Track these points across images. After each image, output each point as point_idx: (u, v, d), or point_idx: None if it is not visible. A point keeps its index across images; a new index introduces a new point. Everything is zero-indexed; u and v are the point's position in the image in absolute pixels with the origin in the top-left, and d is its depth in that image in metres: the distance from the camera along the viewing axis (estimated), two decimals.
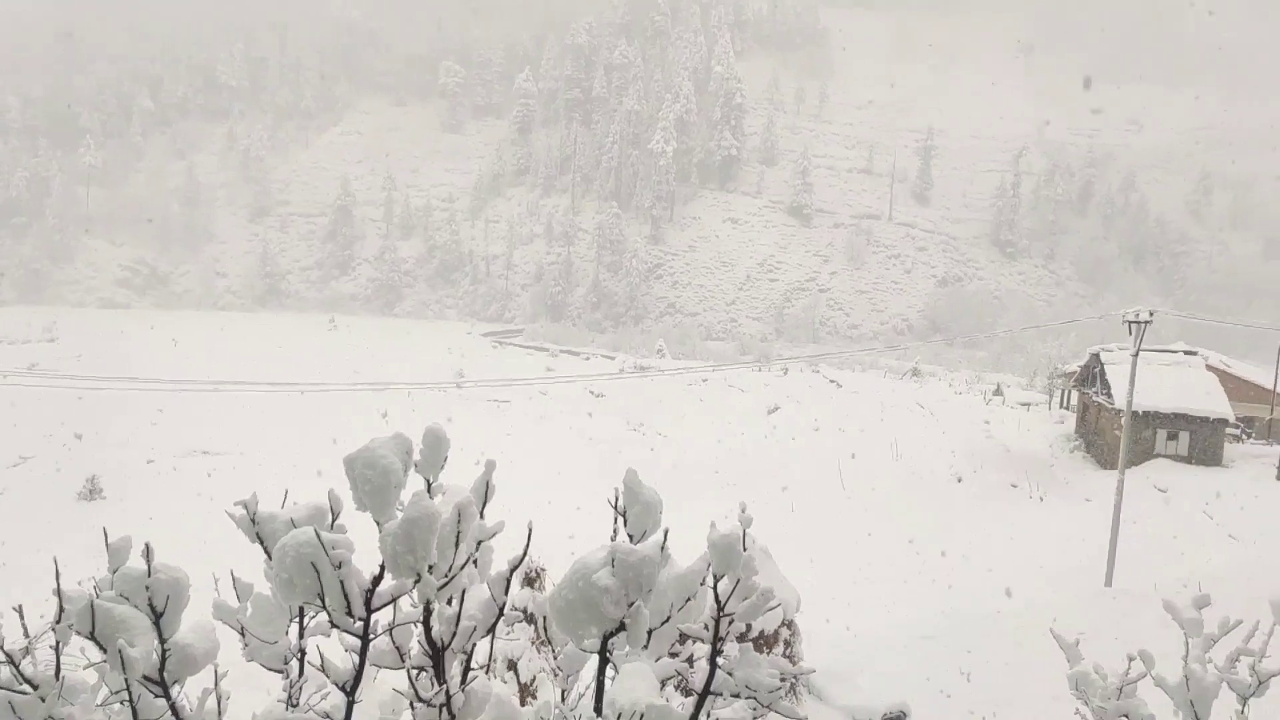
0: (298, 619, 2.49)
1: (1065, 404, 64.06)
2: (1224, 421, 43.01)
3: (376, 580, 2.19)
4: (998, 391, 70.83)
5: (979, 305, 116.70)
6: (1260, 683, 4.03)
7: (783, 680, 2.61)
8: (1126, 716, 4.05)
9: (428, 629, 2.23)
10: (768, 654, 9.19)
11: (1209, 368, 47.37)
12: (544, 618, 2.80)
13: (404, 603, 2.30)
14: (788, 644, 9.72)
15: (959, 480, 42.12)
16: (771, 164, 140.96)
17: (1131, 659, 4.17)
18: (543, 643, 2.77)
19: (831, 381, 69.65)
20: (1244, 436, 48.63)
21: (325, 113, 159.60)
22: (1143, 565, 26.12)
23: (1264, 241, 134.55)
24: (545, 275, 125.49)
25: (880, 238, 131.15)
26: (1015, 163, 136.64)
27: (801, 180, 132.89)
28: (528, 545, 2.32)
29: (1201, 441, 42.78)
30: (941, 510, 37.16)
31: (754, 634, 8.90)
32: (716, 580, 2.38)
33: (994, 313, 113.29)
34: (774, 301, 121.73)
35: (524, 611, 8.12)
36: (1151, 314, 24.95)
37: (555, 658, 2.98)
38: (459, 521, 2.23)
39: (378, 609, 2.19)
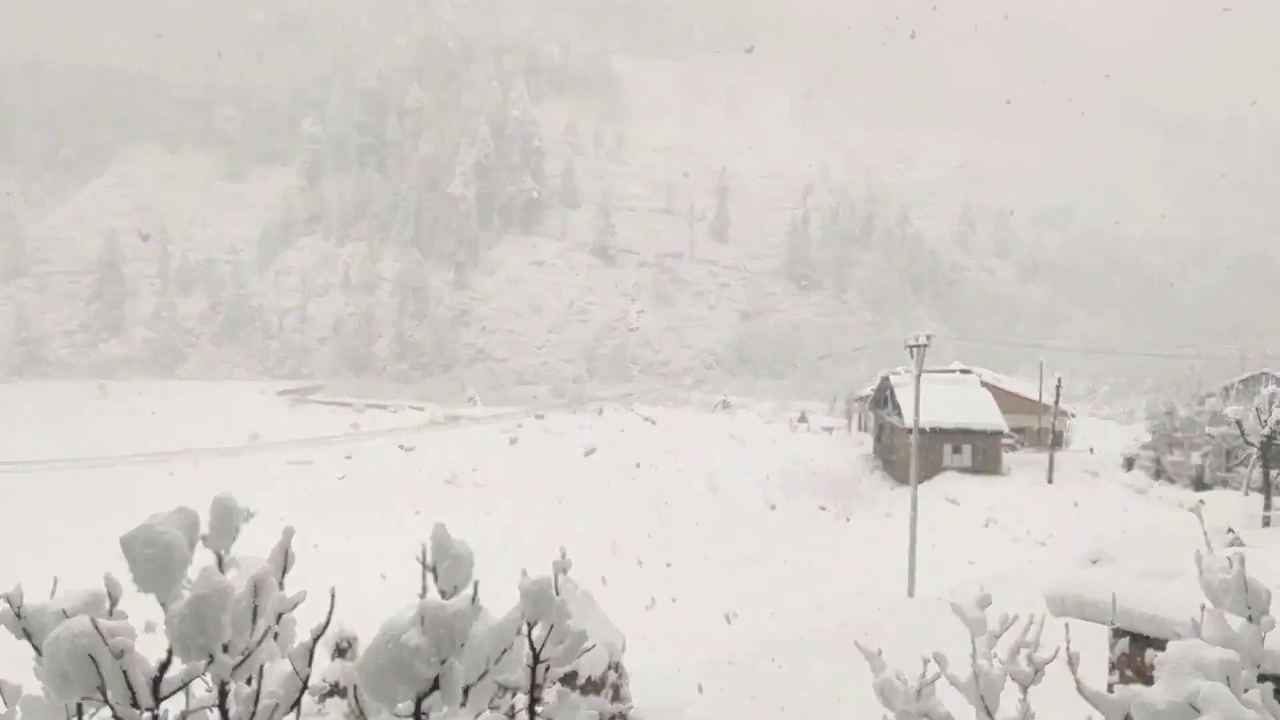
0: (76, 717, 2.27)
1: (863, 426, 68.22)
2: (1000, 433, 47.30)
3: (164, 666, 2.03)
4: (802, 418, 74.39)
5: (780, 336, 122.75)
6: (1037, 671, 4.44)
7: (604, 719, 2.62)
8: (927, 716, 4.34)
9: (224, 711, 2.10)
10: (596, 698, 9.18)
11: (983, 384, 52.04)
12: (355, 687, 2.69)
13: (198, 687, 2.15)
14: (616, 687, 9.74)
15: (773, 508, 43.82)
16: (574, 206, 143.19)
17: (927, 662, 4.48)
18: (357, 715, 2.66)
19: (646, 419, 70.90)
20: (1018, 445, 53.60)
21: (87, 162, 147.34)
22: (940, 572, 28.08)
23: (1021, 267, 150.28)
24: (344, 327, 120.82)
25: (684, 275, 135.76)
26: (804, 200, 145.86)
27: (604, 222, 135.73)
28: (331, 613, 2.23)
29: (983, 452, 46.80)
30: (758, 539, 38.50)
31: (581, 680, 8.87)
32: (530, 627, 2.38)
33: (794, 343, 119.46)
34: (585, 343, 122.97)
35: (335, 685, 7.70)
36: (929, 338, 27.16)
37: None
38: (255, 595, 2.12)
39: (167, 696, 2.04)
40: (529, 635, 2.39)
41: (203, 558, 2.16)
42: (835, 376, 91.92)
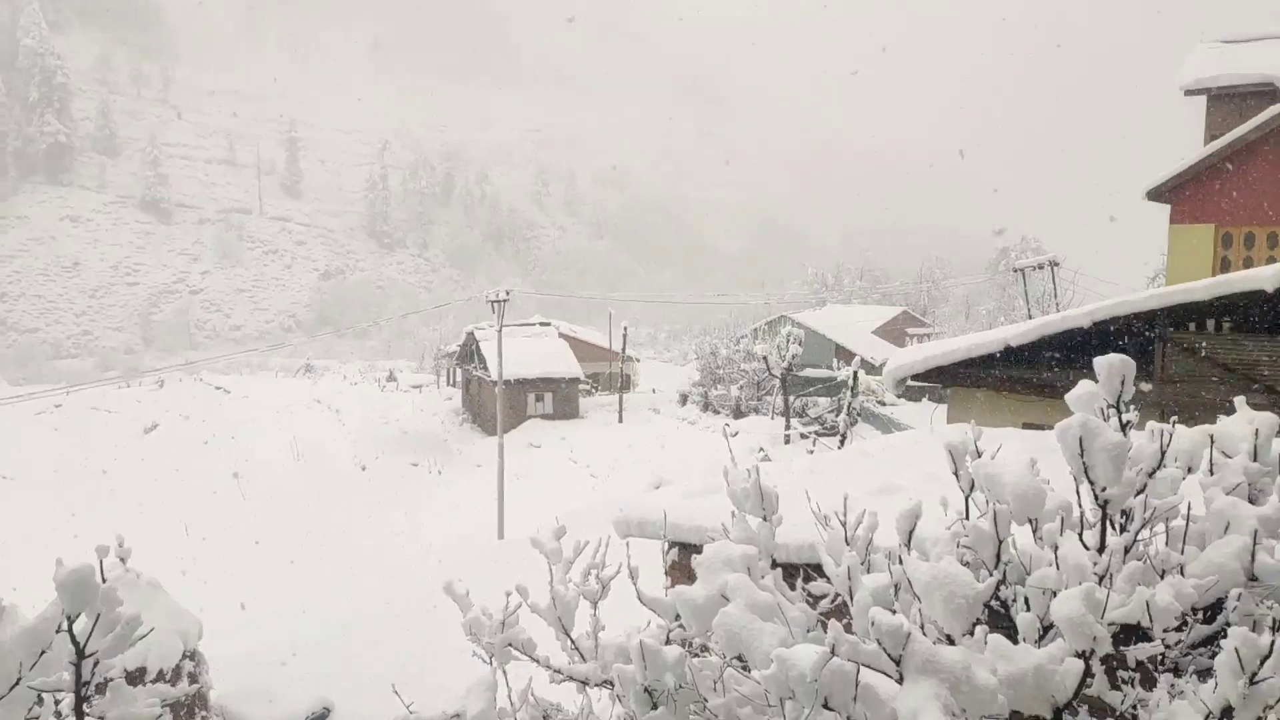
0: None
1: (452, 382, 68.97)
2: (577, 380, 50.67)
3: None
4: (391, 378, 73.27)
5: (364, 296, 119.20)
6: (604, 587, 4.95)
7: (171, 705, 2.46)
8: (511, 644, 4.66)
9: None
10: (165, 686, 8.38)
11: (561, 335, 55.22)
12: None
13: None
14: (193, 675, 8.96)
15: (363, 469, 42.78)
16: (114, 154, 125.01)
17: (509, 594, 4.79)
18: None
19: (218, 389, 64.84)
20: (593, 390, 57.81)
21: None
22: (528, 513, 29.56)
23: (591, 226, 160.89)
24: None
25: (254, 233, 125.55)
26: (381, 156, 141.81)
27: (154, 172, 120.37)
28: None
29: (562, 399, 49.85)
30: (350, 502, 37.42)
31: (152, 673, 8.03)
32: (72, 622, 2.15)
33: (379, 302, 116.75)
34: (137, 308, 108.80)
35: None
36: (509, 293, 28.17)
37: None
38: None
39: None
40: (70, 631, 2.16)
41: None
42: (422, 334, 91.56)
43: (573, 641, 4.79)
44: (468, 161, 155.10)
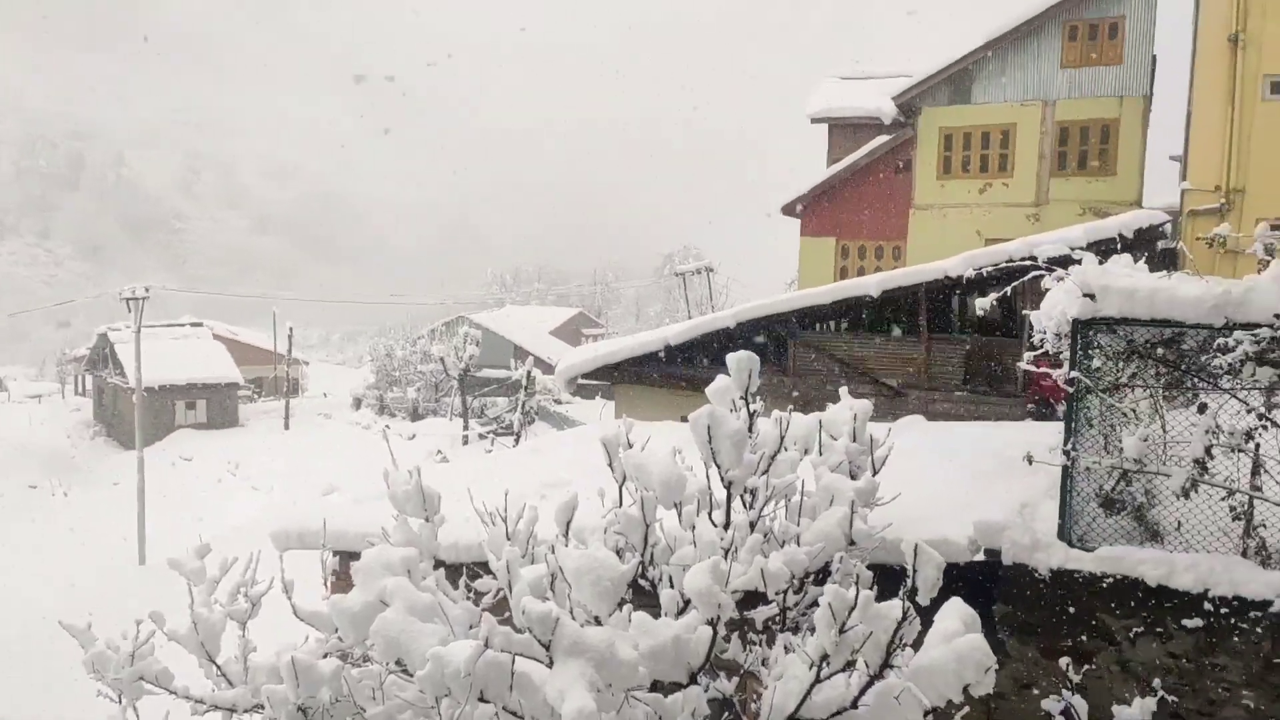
0: None
1: (81, 390, 60.84)
2: (235, 385, 46.81)
3: None
4: (1, 386, 63.27)
5: None
6: (254, 605, 4.65)
7: None
8: (142, 677, 4.22)
9: None
10: None
11: (217, 336, 50.69)
12: None
13: None
14: None
15: None
16: None
17: (140, 623, 4.33)
18: None
19: None
20: (255, 396, 53.63)
21: None
22: (177, 534, 26.76)
23: (254, 218, 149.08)
24: None
25: None
26: None
27: None
28: None
29: (218, 406, 45.78)
30: None
31: None
32: None
33: None
34: None
35: None
36: (148, 290, 25.45)
37: None
38: None
39: None
40: None
41: None
42: (42, 336, 79.73)
43: (218, 667, 4.44)
44: (102, 141, 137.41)
